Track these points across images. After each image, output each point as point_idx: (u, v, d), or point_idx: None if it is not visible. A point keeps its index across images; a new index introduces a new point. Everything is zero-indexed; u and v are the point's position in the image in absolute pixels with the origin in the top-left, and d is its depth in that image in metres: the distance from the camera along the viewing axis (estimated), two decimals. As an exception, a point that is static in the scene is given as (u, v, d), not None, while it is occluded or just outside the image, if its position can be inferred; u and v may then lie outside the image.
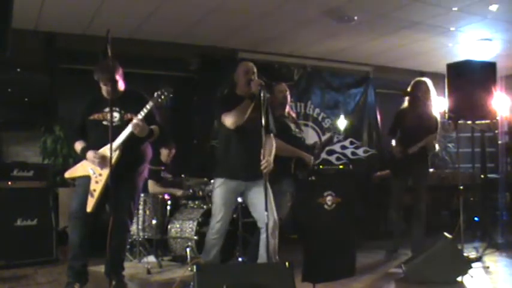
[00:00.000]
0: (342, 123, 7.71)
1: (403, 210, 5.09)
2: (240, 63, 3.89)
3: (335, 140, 7.78)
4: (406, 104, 5.07)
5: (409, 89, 5.04)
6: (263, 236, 3.56)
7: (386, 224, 6.24)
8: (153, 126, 3.59)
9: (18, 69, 6.02)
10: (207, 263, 3.61)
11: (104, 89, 3.54)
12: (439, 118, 5.00)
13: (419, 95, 4.89)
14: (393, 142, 5.06)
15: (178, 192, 5.36)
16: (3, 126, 5.86)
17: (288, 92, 4.56)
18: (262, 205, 3.44)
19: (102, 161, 3.41)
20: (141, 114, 3.40)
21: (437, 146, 4.96)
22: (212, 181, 5.13)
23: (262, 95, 3.41)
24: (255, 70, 3.72)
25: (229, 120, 3.53)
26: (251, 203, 3.70)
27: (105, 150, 3.38)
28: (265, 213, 3.35)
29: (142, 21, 5.98)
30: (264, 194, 3.35)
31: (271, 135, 3.74)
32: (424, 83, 4.95)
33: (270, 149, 3.67)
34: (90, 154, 3.47)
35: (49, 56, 6.21)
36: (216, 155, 3.80)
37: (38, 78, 6.15)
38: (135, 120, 3.39)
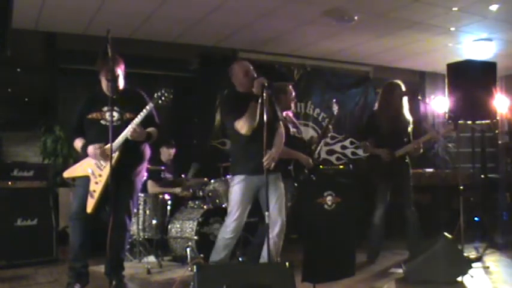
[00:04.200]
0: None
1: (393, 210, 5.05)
2: (235, 62, 3.90)
3: (334, 140, 7.78)
4: (377, 107, 4.97)
5: (381, 92, 4.98)
6: (269, 237, 3.55)
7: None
8: (151, 129, 3.59)
9: (18, 69, 6.02)
10: (217, 263, 3.60)
11: (105, 84, 3.54)
12: (411, 120, 4.90)
13: (395, 98, 4.80)
14: (367, 144, 4.90)
15: (178, 190, 5.37)
16: (3, 126, 5.86)
17: (294, 94, 4.60)
18: (274, 208, 3.53)
19: (103, 155, 3.40)
20: (140, 116, 3.40)
21: (421, 149, 4.88)
22: (212, 181, 5.15)
23: (265, 94, 3.40)
24: (251, 67, 3.76)
25: (243, 129, 3.53)
26: (263, 201, 3.68)
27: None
28: (266, 213, 3.35)
29: (142, 21, 5.98)
30: (265, 194, 3.36)
31: (280, 123, 3.77)
32: (398, 86, 4.83)
33: (280, 140, 3.69)
34: (91, 148, 3.46)
35: (49, 56, 6.22)
36: (233, 153, 3.81)
37: (38, 78, 6.15)
38: (131, 127, 3.38)
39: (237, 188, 3.63)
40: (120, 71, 3.56)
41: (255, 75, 3.67)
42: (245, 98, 3.59)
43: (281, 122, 3.80)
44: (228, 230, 3.62)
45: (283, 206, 3.67)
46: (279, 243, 3.62)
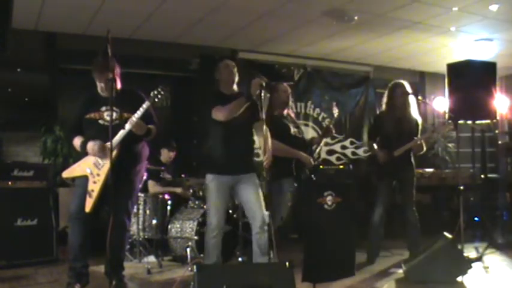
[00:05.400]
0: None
1: (394, 210, 5.04)
2: (221, 62, 3.97)
3: (334, 140, 7.78)
4: (383, 108, 4.92)
5: (386, 93, 4.90)
6: (254, 233, 3.59)
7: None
8: (150, 126, 3.60)
9: (18, 69, 6.02)
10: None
11: (99, 87, 3.55)
12: (420, 120, 4.86)
13: (397, 99, 4.74)
14: (375, 145, 4.85)
15: (178, 190, 5.37)
16: (3, 126, 5.86)
17: (289, 91, 4.58)
18: (253, 203, 3.53)
19: (103, 151, 3.41)
20: (138, 113, 3.41)
21: (424, 147, 4.85)
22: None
23: (262, 95, 3.42)
24: (235, 65, 3.85)
25: (220, 114, 3.58)
26: (242, 200, 3.73)
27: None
28: (267, 213, 3.36)
29: (142, 21, 5.98)
30: (268, 194, 3.37)
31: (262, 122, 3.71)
32: (400, 86, 4.77)
33: (267, 141, 3.66)
34: (90, 144, 3.47)
35: (49, 56, 6.22)
36: (206, 151, 3.83)
37: (38, 78, 6.15)
38: (133, 118, 3.40)
39: (210, 186, 3.68)
40: (114, 75, 3.51)
41: (233, 74, 3.76)
42: (227, 99, 3.64)
43: (262, 124, 3.71)
44: (211, 227, 3.65)
45: (261, 204, 3.64)
46: (264, 238, 3.58)
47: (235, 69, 3.83)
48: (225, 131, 3.62)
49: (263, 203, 3.64)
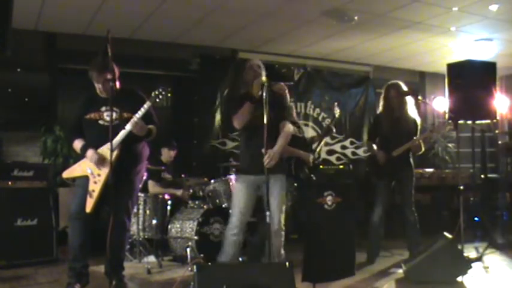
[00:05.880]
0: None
1: (393, 210, 5.04)
2: (246, 63, 3.92)
3: (334, 140, 7.78)
4: (380, 109, 4.92)
5: (382, 94, 4.91)
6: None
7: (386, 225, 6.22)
8: (150, 126, 3.60)
9: (18, 69, 6.02)
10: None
11: (97, 88, 3.56)
12: (418, 120, 4.86)
13: (391, 100, 4.74)
14: (374, 146, 4.86)
15: (178, 192, 5.37)
16: (3, 126, 5.86)
17: (286, 91, 4.56)
18: (272, 206, 3.51)
19: (101, 161, 3.41)
20: (139, 114, 3.41)
21: (422, 147, 4.84)
22: (212, 181, 5.18)
23: (264, 95, 3.40)
24: (261, 64, 3.78)
25: (235, 122, 3.69)
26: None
27: (104, 149, 3.41)
28: (267, 213, 3.36)
29: (142, 21, 5.98)
30: (266, 193, 3.36)
31: (287, 122, 3.77)
32: (394, 86, 4.78)
33: (283, 140, 3.65)
34: (90, 153, 3.47)
35: (49, 56, 6.22)
36: (239, 152, 4.03)
37: (38, 78, 6.15)
38: (134, 119, 3.40)
39: (236, 186, 3.80)
40: (110, 75, 3.50)
41: (257, 74, 3.67)
42: (246, 99, 3.63)
43: (287, 122, 3.77)
44: (230, 226, 3.68)
45: (280, 207, 3.63)
46: (277, 241, 3.59)
47: (261, 69, 3.75)
48: (246, 133, 3.73)
49: (280, 211, 3.62)
